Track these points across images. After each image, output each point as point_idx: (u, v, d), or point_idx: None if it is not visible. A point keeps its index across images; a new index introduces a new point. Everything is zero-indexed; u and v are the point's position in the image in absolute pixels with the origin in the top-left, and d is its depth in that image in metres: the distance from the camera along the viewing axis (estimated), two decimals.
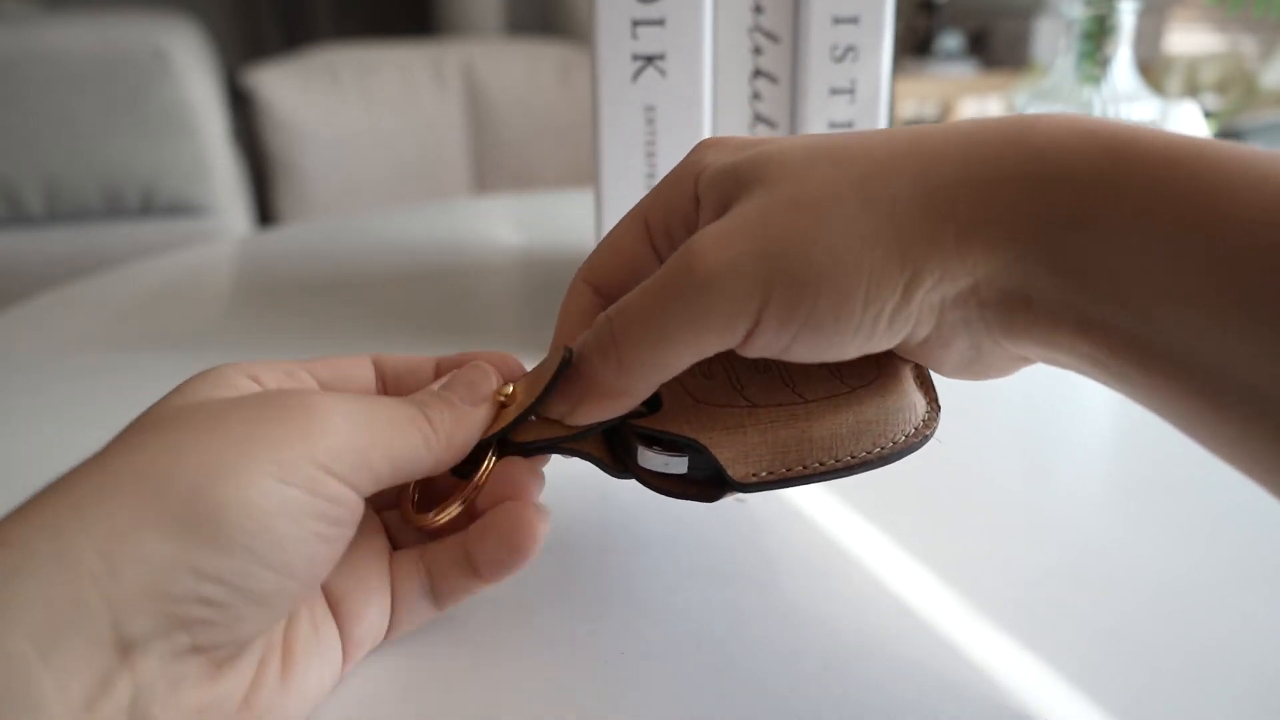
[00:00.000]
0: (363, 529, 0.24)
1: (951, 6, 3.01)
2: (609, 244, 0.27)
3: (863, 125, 0.43)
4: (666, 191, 0.26)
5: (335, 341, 0.50)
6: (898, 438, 0.25)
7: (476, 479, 0.25)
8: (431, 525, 0.25)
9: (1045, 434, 0.39)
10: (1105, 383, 0.21)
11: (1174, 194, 0.18)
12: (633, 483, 0.26)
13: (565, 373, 0.25)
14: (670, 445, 0.25)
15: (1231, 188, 0.18)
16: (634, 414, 0.25)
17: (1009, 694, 0.24)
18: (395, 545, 0.26)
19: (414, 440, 0.23)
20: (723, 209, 0.23)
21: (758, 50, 0.43)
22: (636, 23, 0.40)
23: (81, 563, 0.18)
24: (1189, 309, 0.18)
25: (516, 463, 0.25)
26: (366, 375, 0.27)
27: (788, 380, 0.26)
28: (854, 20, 0.42)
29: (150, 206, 1.43)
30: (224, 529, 0.19)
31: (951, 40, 3.00)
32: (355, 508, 0.21)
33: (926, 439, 0.25)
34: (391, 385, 0.27)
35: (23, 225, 1.39)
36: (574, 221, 0.76)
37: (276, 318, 0.54)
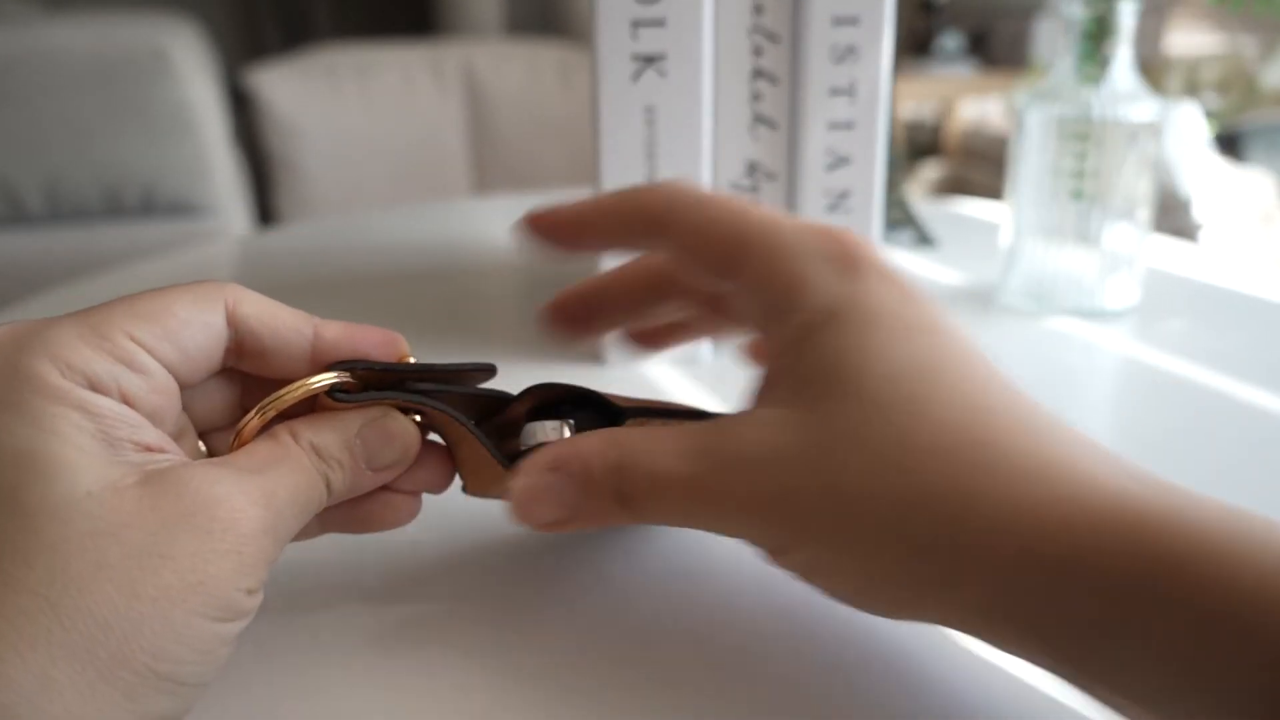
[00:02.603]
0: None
1: (951, 6, 3.02)
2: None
3: (862, 125, 0.43)
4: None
5: None
6: None
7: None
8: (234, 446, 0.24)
9: None
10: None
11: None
12: None
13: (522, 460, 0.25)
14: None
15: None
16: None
17: (1011, 693, 0.24)
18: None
19: (315, 499, 0.23)
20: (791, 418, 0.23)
21: (758, 50, 0.43)
22: (636, 23, 0.40)
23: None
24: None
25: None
26: (212, 343, 0.24)
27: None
28: (854, 20, 0.42)
29: (150, 206, 1.43)
30: (150, 679, 0.19)
31: (951, 40, 3.01)
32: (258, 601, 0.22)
33: None
34: (252, 356, 0.25)
35: (23, 225, 1.39)
36: None
37: None
